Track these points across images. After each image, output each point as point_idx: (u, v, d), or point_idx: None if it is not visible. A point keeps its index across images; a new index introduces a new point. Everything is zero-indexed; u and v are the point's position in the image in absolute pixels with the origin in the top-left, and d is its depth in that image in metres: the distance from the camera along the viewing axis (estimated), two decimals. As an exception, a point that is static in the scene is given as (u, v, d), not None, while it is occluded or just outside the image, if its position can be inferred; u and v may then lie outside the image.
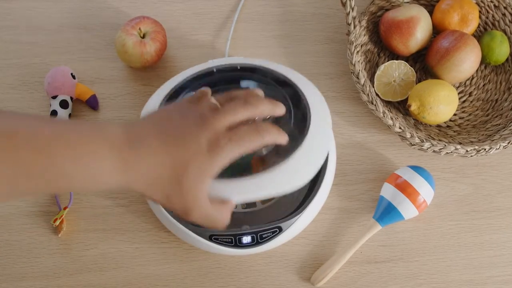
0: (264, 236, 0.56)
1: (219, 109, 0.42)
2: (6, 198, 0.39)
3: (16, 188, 0.36)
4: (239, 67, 0.60)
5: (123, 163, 0.38)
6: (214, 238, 0.56)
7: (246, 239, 0.55)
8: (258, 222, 0.58)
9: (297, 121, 0.55)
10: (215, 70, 0.61)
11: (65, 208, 0.62)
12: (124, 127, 0.40)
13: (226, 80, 0.60)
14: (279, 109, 0.47)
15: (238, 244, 0.55)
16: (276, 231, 0.56)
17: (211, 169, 0.40)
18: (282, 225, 0.56)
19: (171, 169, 0.39)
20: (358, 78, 0.65)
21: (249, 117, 0.44)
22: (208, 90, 0.46)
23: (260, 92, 0.47)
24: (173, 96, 0.59)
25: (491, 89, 0.70)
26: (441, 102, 0.63)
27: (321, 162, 0.52)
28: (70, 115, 0.66)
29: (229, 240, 0.55)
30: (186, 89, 0.60)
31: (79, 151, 0.37)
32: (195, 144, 0.40)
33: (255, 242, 0.56)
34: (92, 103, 0.68)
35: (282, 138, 0.45)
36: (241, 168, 0.53)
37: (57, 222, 0.61)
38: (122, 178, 0.38)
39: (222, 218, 0.44)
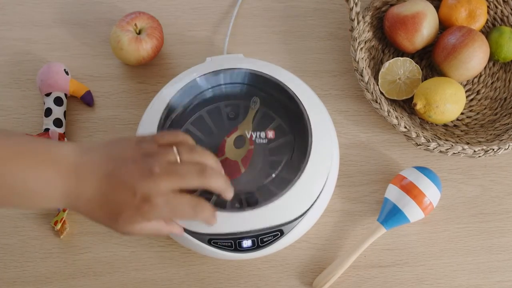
0: (265, 239, 0.55)
1: (172, 170, 0.45)
2: None
3: None
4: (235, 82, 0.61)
5: (67, 189, 0.43)
6: (213, 242, 0.54)
7: (247, 243, 0.54)
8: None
9: (297, 151, 0.57)
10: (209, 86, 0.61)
11: (64, 210, 0.61)
12: (75, 154, 0.44)
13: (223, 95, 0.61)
14: (228, 193, 0.50)
15: (238, 248, 0.54)
16: (278, 234, 0.55)
17: (141, 220, 0.45)
18: (284, 228, 0.55)
19: (107, 208, 0.45)
20: (361, 75, 0.64)
21: (198, 187, 0.48)
22: (177, 137, 0.49)
23: (220, 167, 0.50)
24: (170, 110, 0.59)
25: (499, 87, 0.69)
26: (448, 101, 0.62)
27: (315, 196, 0.55)
28: (65, 112, 0.65)
29: (229, 244, 0.54)
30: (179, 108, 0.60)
31: (32, 171, 0.43)
32: (130, 194, 0.44)
33: (256, 246, 0.55)
34: (87, 99, 0.67)
35: (212, 217, 0.50)
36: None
37: (58, 226, 0.60)
38: (66, 201, 0.44)
39: (164, 232, 0.49)
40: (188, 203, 0.46)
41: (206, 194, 0.55)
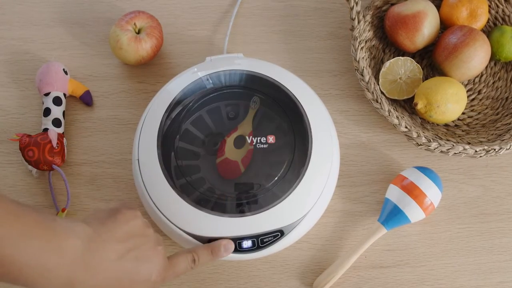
0: (265, 240, 0.54)
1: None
2: None
3: None
4: (234, 83, 0.61)
5: (71, 277, 0.41)
6: (213, 243, 0.54)
7: (247, 244, 0.54)
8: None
9: (298, 151, 0.57)
10: (210, 83, 0.61)
11: (63, 210, 0.60)
12: (83, 243, 0.42)
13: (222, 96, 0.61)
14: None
15: (238, 248, 0.54)
16: (278, 235, 0.55)
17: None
18: (284, 228, 0.54)
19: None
20: (362, 75, 0.63)
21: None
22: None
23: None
24: (173, 108, 0.59)
25: (501, 86, 0.69)
26: (449, 100, 0.62)
27: (315, 199, 0.56)
28: (64, 112, 0.65)
29: (229, 244, 0.54)
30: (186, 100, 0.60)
31: (34, 259, 0.40)
32: (147, 275, 0.46)
33: (256, 247, 0.54)
34: (86, 99, 0.66)
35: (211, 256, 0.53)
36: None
37: None
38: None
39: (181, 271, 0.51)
40: (188, 265, 0.51)
41: (208, 193, 0.55)
